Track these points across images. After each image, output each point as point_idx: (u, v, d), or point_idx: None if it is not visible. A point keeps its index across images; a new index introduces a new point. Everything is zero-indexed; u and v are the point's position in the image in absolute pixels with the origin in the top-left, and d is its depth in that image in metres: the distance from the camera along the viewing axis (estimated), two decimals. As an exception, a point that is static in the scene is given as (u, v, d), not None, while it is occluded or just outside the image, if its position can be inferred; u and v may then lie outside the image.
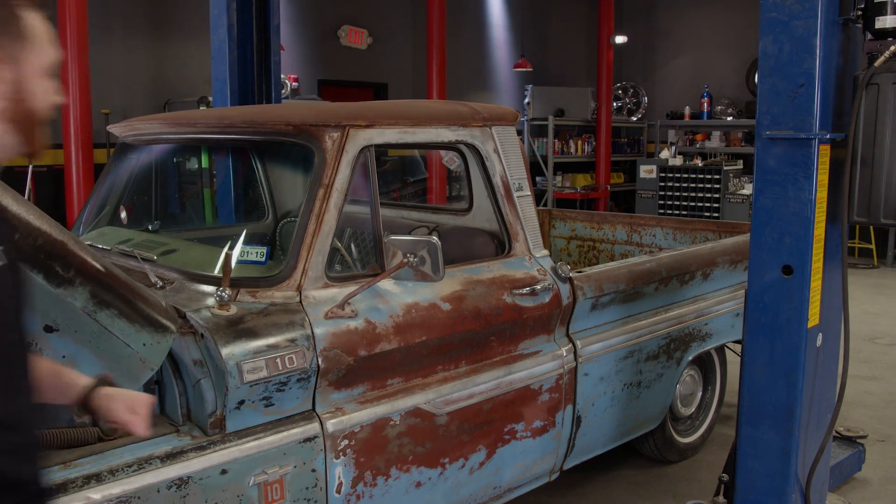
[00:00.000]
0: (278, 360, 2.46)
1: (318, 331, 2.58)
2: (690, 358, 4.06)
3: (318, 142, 2.77)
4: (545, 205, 12.42)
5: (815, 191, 2.78)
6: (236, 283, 2.66)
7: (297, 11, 10.16)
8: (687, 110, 13.48)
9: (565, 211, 6.05)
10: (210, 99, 7.67)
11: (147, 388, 2.46)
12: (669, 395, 4.01)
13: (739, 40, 13.06)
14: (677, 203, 11.17)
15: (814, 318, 2.90)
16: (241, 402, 2.41)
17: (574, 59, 14.20)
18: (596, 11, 13.16)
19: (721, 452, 4.52)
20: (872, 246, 10.61)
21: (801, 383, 2.89)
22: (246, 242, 2.82)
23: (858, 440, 4.22)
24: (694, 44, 13.97)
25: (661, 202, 11.32)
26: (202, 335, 2.41)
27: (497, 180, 3.26)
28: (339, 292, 2.68)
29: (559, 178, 12.92)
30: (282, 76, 9.35)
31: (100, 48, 8.26)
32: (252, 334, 2.46)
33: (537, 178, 12.79)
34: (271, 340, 2.48)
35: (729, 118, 13.09)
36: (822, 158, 2.78)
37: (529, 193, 3.38)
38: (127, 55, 8.72)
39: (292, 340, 2.51)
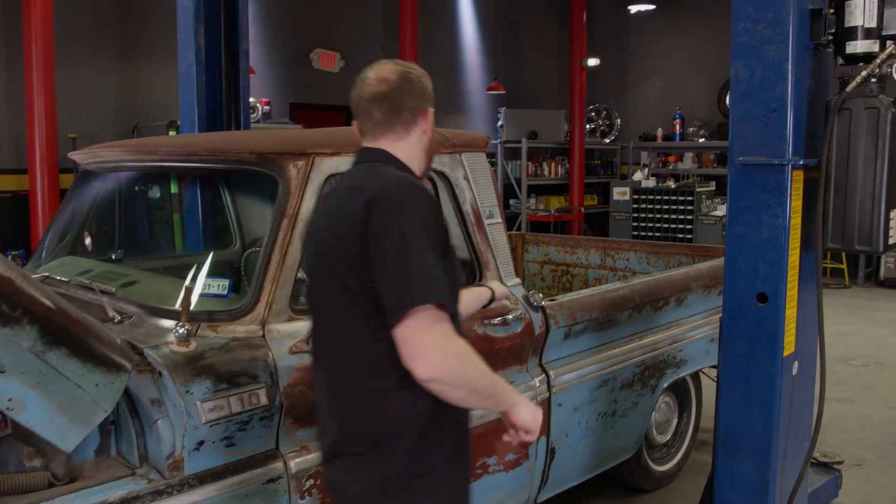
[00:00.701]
0: (240, 397, 2.37)
1: (282, 366, 2.49)
2: (665, 385, 4.00)
3: (282, 170, 2.70)
4: (519, 228, 12.39)
5: (789, 217, 2.74)
6: (197, 318, 2.56)
7: (269, 34, 10.10)
8: (659, 132, 13.54)
9: (538, 235, 6.00)
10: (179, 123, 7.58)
11: (101, 429, 2.35)
12: (645, 424, 3.95)
13: (710, 62, 13.17)
14: (651, 225, 11.19)
15: (789, 347, 2.85)
16: (201, 443, 2.31)
17: (547, 81, 14.25)
18: (568, 34, 13.23)
19: (698, 480, 4.46)
20: (844, 266, 10.68)
21: (778, 413, 2.84)
22: (208, 275, 2.72)
23: (835, 466, 4.18)
24: (665, 66, 14.07)
25: (635, 224, 11.33)
26: (160, 373, 2.31)
27: (467, 208, 3.19)
28: (304, 326, 2.59)
29: (533, 201, 12.90)
30: (253, 100, 9.28)
31: (66, 71, 8.14)
32: (212, 371, 2.36)
33: (511, 201, 12.77)
34: (233, 377, 2.38)
35: (701, 140, 13.16)
36: (796, 184, 2.75)
37: (500, 221, 3.32)
38: (94, 79, 8.60)
39: (254, 377, 2.42)
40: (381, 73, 2.11)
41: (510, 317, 3.13)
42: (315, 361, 2.14)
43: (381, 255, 1.84)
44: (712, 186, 11.57)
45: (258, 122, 9.11)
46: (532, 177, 12.91)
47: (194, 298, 2.59)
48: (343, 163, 2.79)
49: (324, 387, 2.08)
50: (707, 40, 13.21)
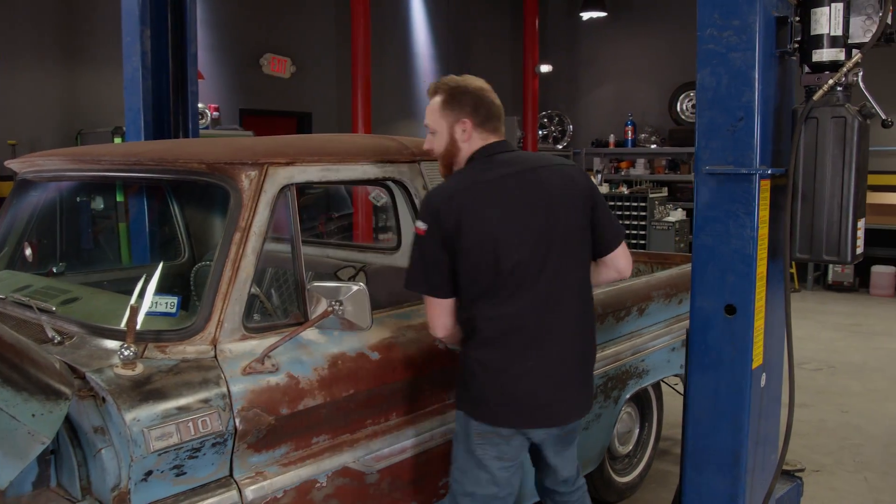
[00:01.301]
0: (190, 423, 2.23)
1: (235, 388, 2.35)
2: (628, 396, 3.94)
3: (233, 181, 2.56)
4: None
5: (757, 227, 2.69)
6: (143, 338, 2.42)
7: (218, 39, 9.87)
8: (612, 138, 13.61)
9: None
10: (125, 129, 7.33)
11: (40, 460, 2.19)
12: (608, 436, 3.88)
13: (662, 69, 13.27)
14: (605, 231, 11.20)
15: (758, 359, 2.80)
16: (149, 473, 2.16)
17: (499, 87, 13.97)
18: (520, 41, 13.23)
19: (660, 490, 4.42)
20: (793, 270, 10.82)
21: (747, 427, 2.78)
22: (156, 291, 2.56)
23: (796, 473, 4.16)
24: (617, 72, 14.14)
25: (589, 230, 11.33)
26: (103, 399, 2.16)
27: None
28: (258, 344, 2.47)
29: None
30: (202, 105, 9.05)
31: (6, 76, 7.84)
32: (160, 396, 2.22)
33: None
34: (182, 402, 2.24)
35: (653, 146, 13.26)
36: (763, 194, 2.70)
37: (461, 232, 3.22)
38: (36, 83, 8.29)
39: (206, 401, 2.28)
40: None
41: None
42: (539, 318, 2.53)
43: (604, 206, 2.66)
44: (664, 192, 11.66)
45: (207, 128, 8.89)
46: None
47: (141, 317, 2.44)
48: (298, 173, 2.66)
49: (567, 330, 2.59)
50: (659, 47, 13.32)
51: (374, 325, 2.60)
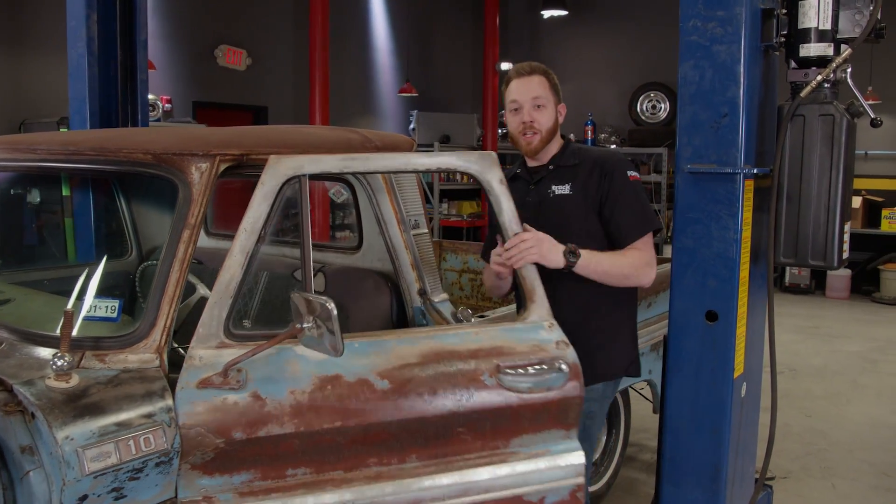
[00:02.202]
0: (131, 441, 2.02)
1: (182, 402, 2.14)
2: (596, 404, 3.79)
3: (182, 174, 2.34)
4: (432, 234, 12.12)
5: (741, 230, 2.56)
6: (81, 345, 2.20)
7: (171, 28, 9.54)
8: (572, 137, 13.46)
9: (456, 243, 5.76)
10: (70, 120, 6.99)
11: (-40, 483, 1.96)
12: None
13: (622, 69, 13.23)
14: (565, 231, 11.11)
15: (739, 368, 2.67)
16: (84, 498, 1.95)
17: (459, 84, 14.05)
18: (481, 38, 13.07)
19: (627, 498, 4.30)
20: (752, 272, 10.83)
21: (728, 438, 2.66)
22: (96, 293, 2.34)
23: (767, 482, 4.06)
24: (577, 71, 14.06)
25: (549, 230, 11.23)
26: (33, 414, 1.94)
27: (390, 216, 2.89)
28: (238, 354, 2.23)
29: (445, 206, 12.67)
30: (153, 97, 8.73)
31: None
32: (97, 411, 2.00)
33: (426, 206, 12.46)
34: (122, 417, 2.03)
35: (612, 146, 13.20)
36: (748, 194, 2.57)
37: (426, 231, 3.04)
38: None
39: (149, 415, 2.07)
40: None
41: (546, 368, 2.46)
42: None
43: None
44: (625, 192, 11.58)
45: (158, 120, 8.58)
46: (444, 181, 12.67)
47: (78, 321, 2.22)
48: (252, 167, 2.46)
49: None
50: (619, 47, 13.27)
51: (394, 346, 2.35)
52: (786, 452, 5.05)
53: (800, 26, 2.56)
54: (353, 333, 2.34)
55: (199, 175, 2.35)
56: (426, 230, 3.05)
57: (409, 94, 12.40)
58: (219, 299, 2.25)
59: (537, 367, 2.46)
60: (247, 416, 2.16)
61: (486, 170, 2.52)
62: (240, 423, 2.15)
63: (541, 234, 2.49)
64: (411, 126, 12.33)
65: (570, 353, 2.51)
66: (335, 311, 2.06)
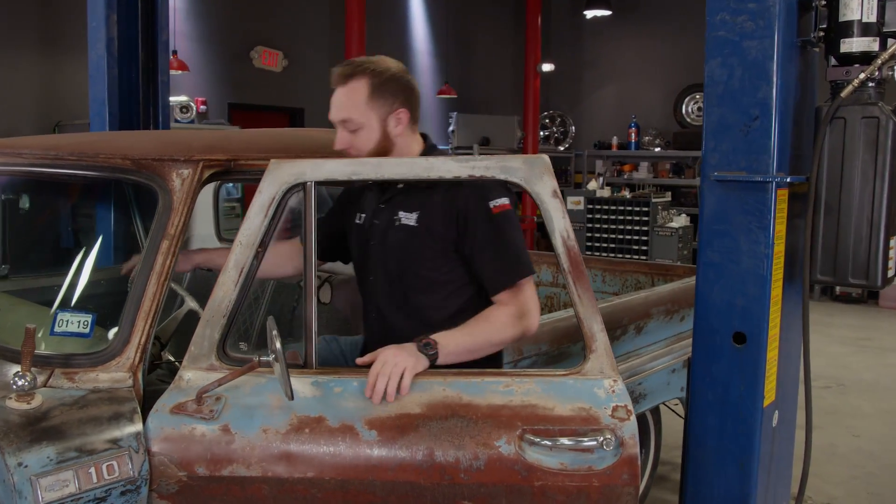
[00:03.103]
0: (92, 468, 1.86)
1: (153, 426, 1.99)
2: (623, 424, 3.56)
3: (162, 180, 2.20)
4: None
5: (773, 244, 2.32)
6: (50, 362, 2.06)
7: (207, 29, 9.51)
8: (614, 140, 13.23)
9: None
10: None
11: None
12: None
13: (667, 70, 12.89)
14: (605, 235, 10.83)
15: (770, 395, 2.43)
16: (37, 532, 1.80)
17: (500, 86, 13.84)
18: (522, 39, 12.84)
19: (657, 525, 4.06)
20: (801, 280, 10.43)
21: (756, 472, 2.42)
22: (67, 306, 2.21)
23: (806, 511, 3.80)
24: (621, 73, 13.77)
25: (589, 234, 10.96)
26: (-14, 440, 1.80)
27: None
28: (194, 375, 2.07)
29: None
30: (186, 98, 8.70)
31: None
32: (56, 435, 1.86)
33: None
34: (84, 441, 1.88)
35: (657, 149, 12.87)
36: (780, 205, 2.33)
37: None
38: (10, 72, 7.93)
39: (115, 440, 1.92)
40: None
41: (600, 438, 2.01)
42: None
43: None
44: (668, 197, 11.26)
45: (192, 122, 8.54)
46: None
47: (46, 337, 2.08)
48: (240, 172, 2.30)
49: None
50: (664, 47, 12.94)
51: (414, 390, 2.03)
52: (830, 476, 4.75)
53: (841, 19, 2.31)
54: (352, 369, 2.14)
55: (181, 182, 2.20)
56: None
57: (448, 96, 12.24)
58: (211, 318, 2.10)
59: (577, 438, 2.01)
60: (212, 450, 1.98)
61: (535, 179, 2.07)
62: (204, 458, 1.98)
63: (387, 352, 2.02)
64: (451, 128, 12.17)
65: (630, 426, 2.02)
66: (282, 357, 1.87)
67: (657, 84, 13.13)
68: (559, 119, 14.06)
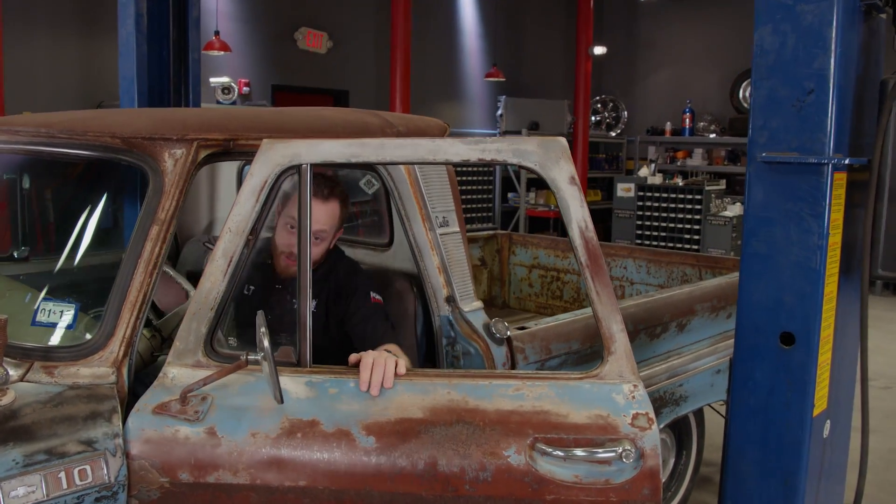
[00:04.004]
0: (62, 472, 1.71)
1: (133, 428, 1.83)
2: (661, 426, 3.33)
3: (154, 161, 2.04)
4: (517, 223, 11.73)
5: (828, 234, 2.06)
6: (30, 355, 1.92)
7: (250, 10, 9.41)
8: (668, 126, 12.85)
9: (527, 236, 5.38)
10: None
11: None
12: (636, 472, 3.28)
13: (724, 54, 12.44)
14: (656, 224, 10.48)
15: (821, 403, 2.18)
16: (0, 540, 1.66)
17: (550, 69, 13.53)
18: (574, 20, 12.50)
19: (698, 531, 3.82)
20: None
21: (803, 488, 2.17)
22: (49, 295, 2.06)
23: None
24: (677, 57, 13.35)
25: (640, 223, 10.63)
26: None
27: (413, 213, 2.52)
28: (181, 372, 1.92)
29: (532, 195, 12.22)
30: (227, 80, 8.62)
31: (19, 43, 7.48)
32: (26, 436, 1.71)
33: (509, 195, 12.10)
34: (55, 443, 1.73)
35: (712, 135, 12.46)
36: (837, 191, 2.07)
37: (458, 230, 2.65)
38: (52, 51, 7.93)
39: (90, 442, 1.77)
40: None
41: (620, 450, 1.85)
42: None
43: None
44: (722, 185, 10.87)
45: (234, 103, 8.46)
46: (532, 170, 12.19)
47: (25, 326, 1.94)
48: (240, 153, 2.13)
49: None
50: (721, 30, 12.48)
51: (399, 393, 1.91)
52: (889, 485, 4.44)
53: (912, -20, 2.04)
54: (350, 369, 1.96)
55: (174, 163, 2.04)
56: (457, 229, 2.66)
57: (496, 79, 11.99)
58: (197, 311, 1.94)
59: (593, 448, 1.85)
60: (196, 455, 1.83)
61: (551, 164, 1.91)
62: (187, 463, 1.82)
63: (372, 354, 1.99)
64: (499, 112, 11.95)
65: (651, 436, 1.86)
66: (271, 356, 1.72)
67: (714, 68, 12.69)
68: (611, 104, 13.70)
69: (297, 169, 1.92)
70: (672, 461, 3.79)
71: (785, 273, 2.14)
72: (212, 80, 8.37)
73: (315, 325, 2.31)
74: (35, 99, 7.71)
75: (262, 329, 1.71)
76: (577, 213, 1.89)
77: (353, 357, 1.97)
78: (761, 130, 2.14)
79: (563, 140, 1.91)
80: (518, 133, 11.78)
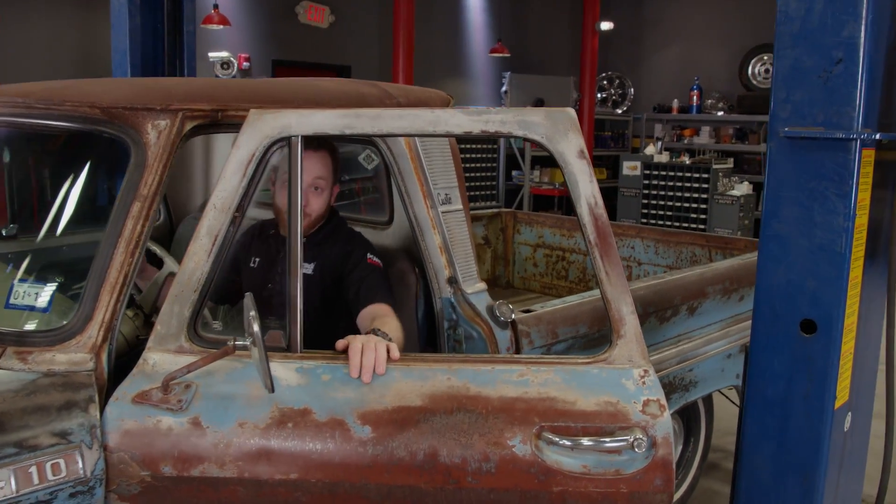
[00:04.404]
0: (34, 466, 1.60)
1: (112, 418, 1.72)
2: (671, 412, 3.22)
3: (136, 132, 1.91)
4: (521, 201, 11.59)
5: (854, 215, 1.93)
6: (2, 339, 1.80)
7: (251, -16, 9.25)
8: (675, 104, 12.66)
9: (532, 214, 5.24)
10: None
11: None
12: (644, 460, 3.17)
13: (732, 30, 12.22)
14: (662, 203, 10.32)
15: (843, 394, 2.06)
16: (-34, 539, 1.55)
17: (556, 45, 13.32)
18: (580, -5, 12.30)
19: (706, 519, 3.72)
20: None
21: (823, 485, 2.05)
22: (25, 276, 1.94)
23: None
24: (684, 33, 13.13)
25: (645, 201, 10.47)
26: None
27: (414, 189, 2.39)
28: (167, 358, 1.80)
29: (537, 173, 12.06)
30: (227, 54, 8.47)
31: (13, 18, 7.32)
32: (-6, 426, 1.60)
33: (513, 173, 11.96)
34: (25, 435, 1.62)
35: (720, 113, 12.27)
36: (865, 168, 1.94)
37: (461, 208, 2.52)
38: (49, 26, 7.77)
39: (64, 434, 1.65)
40: None
41: (631, 438, 1.75)
42: None
43: None
44: (730, 164, 10.70)
45: (234, 78, 8.31)
46: (536, 148, 12.05)
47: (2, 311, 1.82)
48: (229, 125, 1.99)
49: None
50: (730, 6, 12.28)
51: (396, 379, 1.79)
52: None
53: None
54: (343, 355, 1.84)
55: (157, 135, 1.91)
56: (460, 206, 2.53)
57: (500, 55, 11.80)
58: (180, 292, 1.82)
59: (602, 437, 1.74)
60: (179, 447, 1.71)
61: (559, 136, 1.79)
62: (170, 456, 1.71)
63: (360, 338, 1.87)
64: (503, 89, 11.77)
65: (663, 423, 1.76)
66: (261, 341, 1.60)
67: (722, 45, 12.48)
68: (617, 80, 13.51)
69: (286, 141, 1.80)
70: (679, 448, 3.68)
71: (807, 256, 2.01)
72: (211, 54, 8.22)
73: (310, 288, 2.32)
74: (33, 77, 7.56)
75: (252, 312, 1.59)
76: (586, 189, 1.77)
77: (340, 343, 1.85)
78: (784, 104, 2.00)
79: (572, 111, 1.79)
80: (523, 110, 11.61)
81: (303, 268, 2.30)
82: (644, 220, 10.37)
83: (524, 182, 11.72)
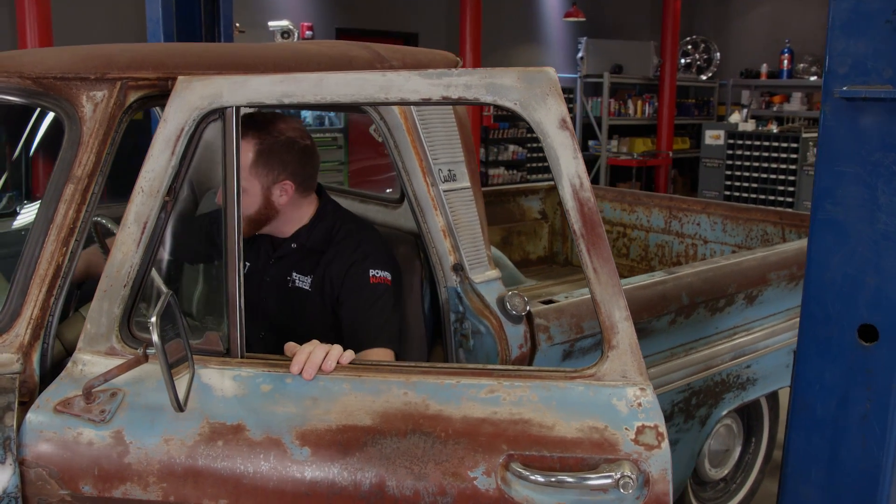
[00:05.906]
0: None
1: (31, 429, 1.51)
2: (723, 413, 2.87)
3: (70, 105, 1.68)
4: (597, 172, 11.16)
5: (926, 197, 1.55)
6: (-78, 339, 1.61)
7: (314, -50, 9.04)
8: (764, 68, 11.96)
9: (593, 188, 4.87)
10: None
11: None
12: (688, 466, 2.85)
13: (828, -13, 11.40)
14: (747, 175, 9.73)
15: (911, 415, 1.68)
16: None
17: (635, 8, 12.72)
18: (662, -46, 11.67)
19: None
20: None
21: (885, 523, 1.69)
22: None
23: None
24: (773, -8, 12.35)
25: (728, 172, 9.90)
26: None
27: (411, 165, 2.11)
28: (97, 360, 1.59)
29: (615, 143, 11.63)
30: (286, 23, 8.27)
31: (72, 4, 7.30)
32: None
33: (590, 143, 11.52)
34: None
35: (812, 78, 11.50)
36: (941, 139, 1.55)
37: (468, 185, 2.22)
38: (108, 9, 7.73)
39: (-28, 448, 1.45)
40: None
41: (617, 475, 1.44)
42: None
43: None
44: (822, 131, 10.00)
45: (294, 50, 8.14)
46: (614, 116, 11.63)
47: None
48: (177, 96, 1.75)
49: None
50: (825, -40, 11.42)
51: (346, 393, 1.55)
52: None
53: None
54: (288, 360, 1.60)
55: (93, 107, 1.68)
56: (466, 184, 2.23)
57: (575, 19, 11.32)
58: (109, 287, 1.60)
59: (583, 473, 1.44)
60: (100, 463, 1.50)
61: (535, 102, 1.48)
62: (90, 474, 1.49)
63: (315, 342, 1.65)
64: (579, 55, 11.37)
65: (661, 456, 1.45)
66: (163, 351, 1.35)
67: (815, 4, 11.65)
68: (702, 45, 12.82)
69: (220, 113, 1.54)
70: (739, 449, 3.33)
71: (867, 246, 1.64)
72: (270, 23, 8.02)
73: (309, 309, 2.13)
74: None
75: (153, 318, 1.33)
76: (569, 167, 1.46)
77: (289, 345, 1.60)
78: (841, 57, 1.63)
79: (551, 71, 1.45)
80: (600, 77, 11.14)
81: (298, 280, 2.17)
82: (728, 193, 9.82)
83: (601, 152, 11.27)
